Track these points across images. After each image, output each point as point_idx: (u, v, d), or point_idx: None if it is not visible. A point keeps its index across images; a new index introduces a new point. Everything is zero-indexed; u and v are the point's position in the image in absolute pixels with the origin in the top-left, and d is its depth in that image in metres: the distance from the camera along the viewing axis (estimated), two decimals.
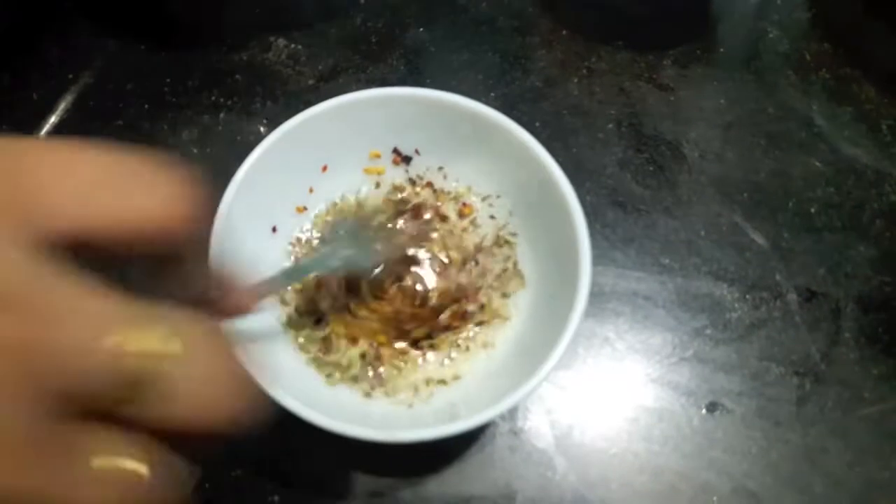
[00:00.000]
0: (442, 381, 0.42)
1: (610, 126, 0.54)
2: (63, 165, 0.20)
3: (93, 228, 0.19)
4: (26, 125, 0.54)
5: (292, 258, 0.45)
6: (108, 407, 0.18)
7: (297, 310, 0.43)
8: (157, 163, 0.21)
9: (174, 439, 0.19)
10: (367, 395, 0.41)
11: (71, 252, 0.19)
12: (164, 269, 0.23)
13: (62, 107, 0.54)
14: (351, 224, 0.45)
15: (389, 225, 0.45)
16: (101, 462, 0.18)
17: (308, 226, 0.45)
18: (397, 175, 0.47)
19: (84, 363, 0.17)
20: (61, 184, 0.19)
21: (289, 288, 0.43)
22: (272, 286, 0.38)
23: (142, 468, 0.18)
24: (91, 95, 0.55)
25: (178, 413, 0.18)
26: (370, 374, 0.41)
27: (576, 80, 0.56)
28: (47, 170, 0.19)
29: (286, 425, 0.39)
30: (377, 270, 0.44)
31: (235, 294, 0.28)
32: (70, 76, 0.55)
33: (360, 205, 0.46)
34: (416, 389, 0.41)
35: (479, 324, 0.43)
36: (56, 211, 0.19)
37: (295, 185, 0.44)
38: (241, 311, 0.28)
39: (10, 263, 0.17)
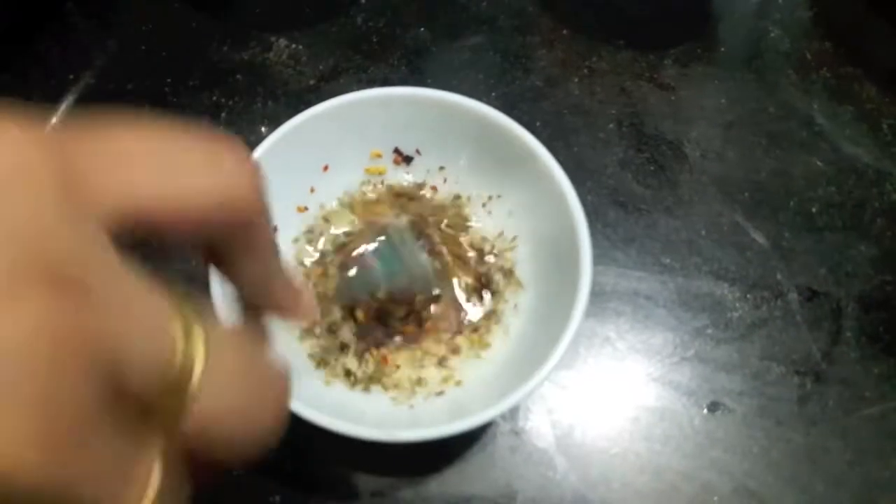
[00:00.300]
0: (443, 381, 0.42)
1: (611, 126, 0.54)
2: (130, 145, 0.18)
3: (164, 210, 0.18)
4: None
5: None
6: (147, 411, 0.17)
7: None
8: (220, 140, 0.20)
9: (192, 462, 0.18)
10: (367, 393, 0.41)
11: (133, 239, 0.18)
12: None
13: (63, 107, 0.54)
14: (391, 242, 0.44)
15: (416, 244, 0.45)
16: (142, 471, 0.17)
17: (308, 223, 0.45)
18: (397, 175, 0.47)
19: (144, 360, 0.16)
20: (131, 164, 0.18)
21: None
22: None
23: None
24: (92, 95, 0.55)
25: (212, 432, 0.18)
26: (370, 373, 0.41)
27: (576, 80, 0.56)
28: (115, 149, 0.18)
29: (287, 425, 0.40)
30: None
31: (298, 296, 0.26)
32: (71, 76, 0.55)
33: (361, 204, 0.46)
34: (416, 389, 0.41)
35: (480, 324, 0.43)
36: (125, 191, 0.17)
37: (296, 185, 0.44)
38: (300, 314, 0.26)
39: (75, 245, 0.15)
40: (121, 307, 0.16)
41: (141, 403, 0.16)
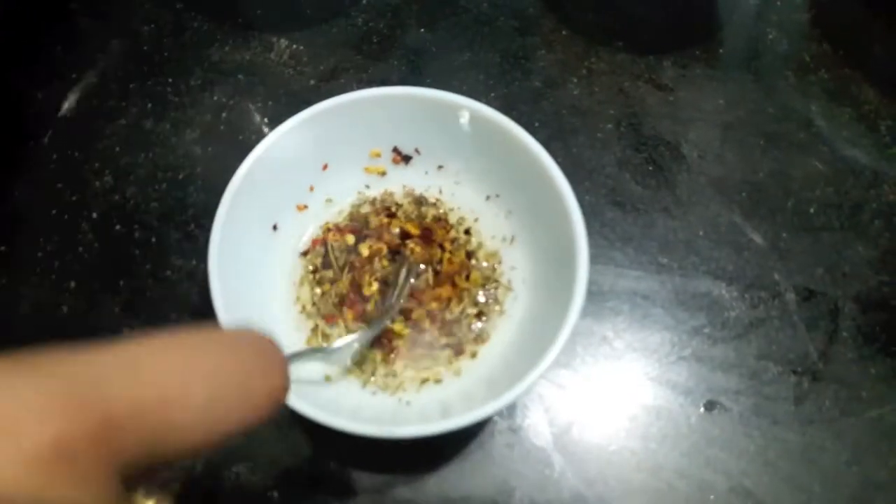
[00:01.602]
0: (438, 379, 0.42)
1: (609, 126, 0.54)
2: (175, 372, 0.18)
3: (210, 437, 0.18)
4: (31, 124, 0.54)
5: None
6: None
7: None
8: (249, 338, 0.20)
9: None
10: (364, 388, 0.41)
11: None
12: None
13: (66, 106, 0.55)
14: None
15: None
16: None
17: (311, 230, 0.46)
18: (396, 177, 0.47)
19: None
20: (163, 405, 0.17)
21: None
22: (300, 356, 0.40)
23: None
24: (95, 95, 0.55)
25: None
26: (369, 368, 0.42)
27: (576, 81, 0.56)
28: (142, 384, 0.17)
29: (284, 422, 0.40)
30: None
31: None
32: (74, 76, 0.56)
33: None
34: (413, 386, 0.41)
35: (477, 322, 0.43)
36: (154, 437, 0.17)
37: (296, 184, 0.45)
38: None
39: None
40: None
41: None
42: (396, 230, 0.45)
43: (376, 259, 0.44)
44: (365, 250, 0.44)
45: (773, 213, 0.51)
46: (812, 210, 0.52)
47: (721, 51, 0.58)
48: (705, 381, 0.46)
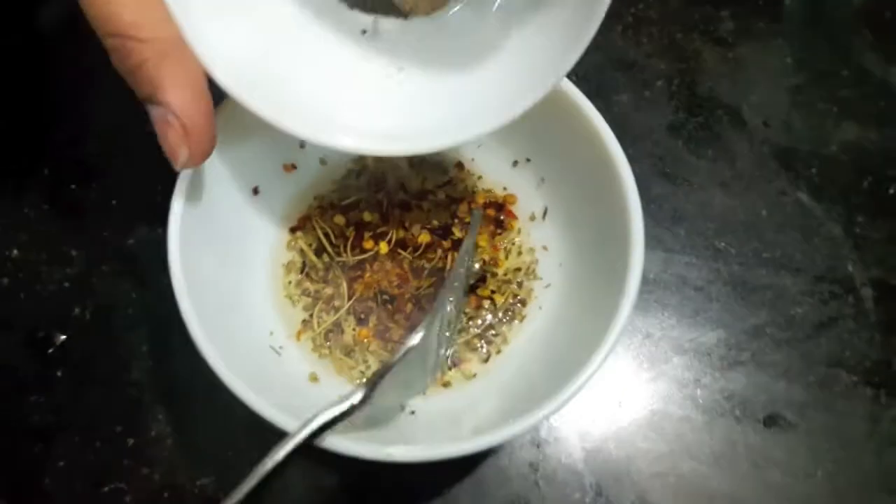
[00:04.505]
0: (447, 382, 0.34)
1: (659, 83, 0.46)
2: None
3: None
4: None
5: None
6: None
7: None
8: None
9: None
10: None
11: None
12: None
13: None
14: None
15: None
16: None
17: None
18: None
19: None
20: None
21: None
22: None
23: None
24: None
25: None
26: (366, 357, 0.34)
27: (620, 29, 0.48)
28: None
29: (254, 428, 0.32)
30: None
31: None
32: None
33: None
34: (419, 394, 0.34)
35: (497, 315, 0.36)
36: None
37: (282, 137, 0.36)
38: None
39: None
40: None
41: None
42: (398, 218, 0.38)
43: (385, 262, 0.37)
44: (369, 244, 0.37)
45: (846, 194, 0.44)
46: (892, 191, 0.44)
47: (787, 2, 0.49)
48: (766, 391, 0.39)
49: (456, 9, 0.29)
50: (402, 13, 0.30)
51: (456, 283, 0.33)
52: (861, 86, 0.47)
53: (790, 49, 0.48)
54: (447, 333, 0.34)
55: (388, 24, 0.30)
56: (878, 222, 0.43)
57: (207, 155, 0.27)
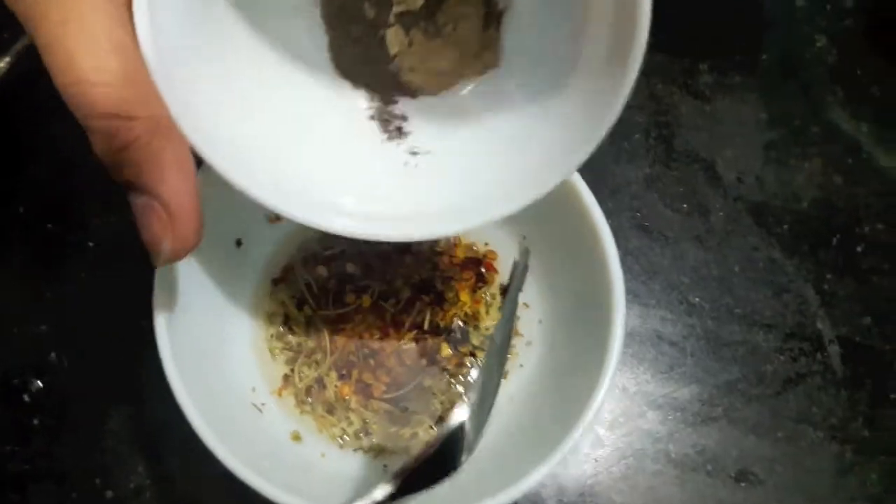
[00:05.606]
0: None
1: (637, 136, 0.47)
2: None
3: None
4: None
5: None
6: None
7: None
8: None
9: None
10: (341, 448, 0.34)
11: None
12: None
13: None
14: None
15: None
16: None
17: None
18: None
19: None
20: None
21: None
22: None
23: None
24: None
25: None
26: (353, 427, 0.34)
27: None
28: None
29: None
30: None
31: None
32: None
33: None
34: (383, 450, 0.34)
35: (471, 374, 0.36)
36: None
37: None
38: None
39: None
40: None
41: None
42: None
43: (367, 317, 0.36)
44: (351, 298, 0.37)
45: (816, 251, 0.45)
46: (860, 249, 0.45)
47: (764, 57, 0.51)
48: (737, 446, 0.40)
49: (468, 89, 0.28)
50: (409, 93, 0.28)
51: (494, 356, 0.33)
52: (831, 142, 0.48)
53: (765, 104, 0.49)
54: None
55: (399, 107, 0.29)
56: (846, 280, 0.44)
57: (191, 248, 0.24)
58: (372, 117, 0.28)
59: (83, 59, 0.21)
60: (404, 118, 0.28)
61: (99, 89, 0.21)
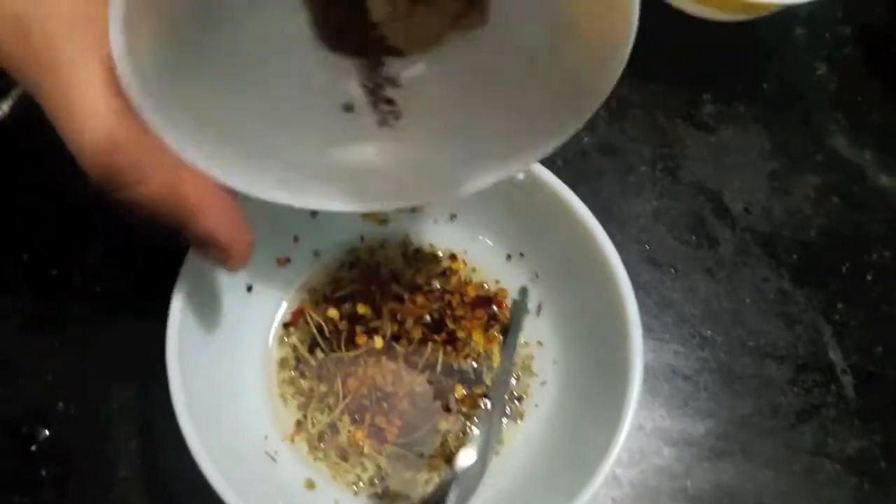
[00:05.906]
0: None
1: (643, 168, 0.47)
2: None
3: None
4: None
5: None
6: None
7: None
8: None
9: None
10: (355, 495, 0.33)
11: None
12: None
13: None
14: None
15: None
16: None
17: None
18: (399, 226, 0.39)
19: None
20: None
21: None
22: None
23: None
24: None
25: None
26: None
27: (604, 114, 0.49)
28: None
29: None
30: None
31: None
32: None
33: None
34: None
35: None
36: None
37: (276, 232, 0.36)
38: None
39: None
40: None
41: None
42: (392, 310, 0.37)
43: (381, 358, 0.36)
44: (362, 340, 0.36)
45: (825, 280, 0.45)
46: (869, 277, 0.45)
47: (765, 86, 0.51)
48: (753, 480, 0.39)
49: (456, 49, 0.26)
50: (398, 52, 0.27)
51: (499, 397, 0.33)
52: (835, 170, 0.48)
53: (768, 133, 0.49)
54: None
55: (386, 70, 0.27)
56: (857, 309, 0.44)
57: (248, 259, 0.27)
58: (361, 86, 0.27)
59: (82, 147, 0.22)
60: (394, 84, 0.27)
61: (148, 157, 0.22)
